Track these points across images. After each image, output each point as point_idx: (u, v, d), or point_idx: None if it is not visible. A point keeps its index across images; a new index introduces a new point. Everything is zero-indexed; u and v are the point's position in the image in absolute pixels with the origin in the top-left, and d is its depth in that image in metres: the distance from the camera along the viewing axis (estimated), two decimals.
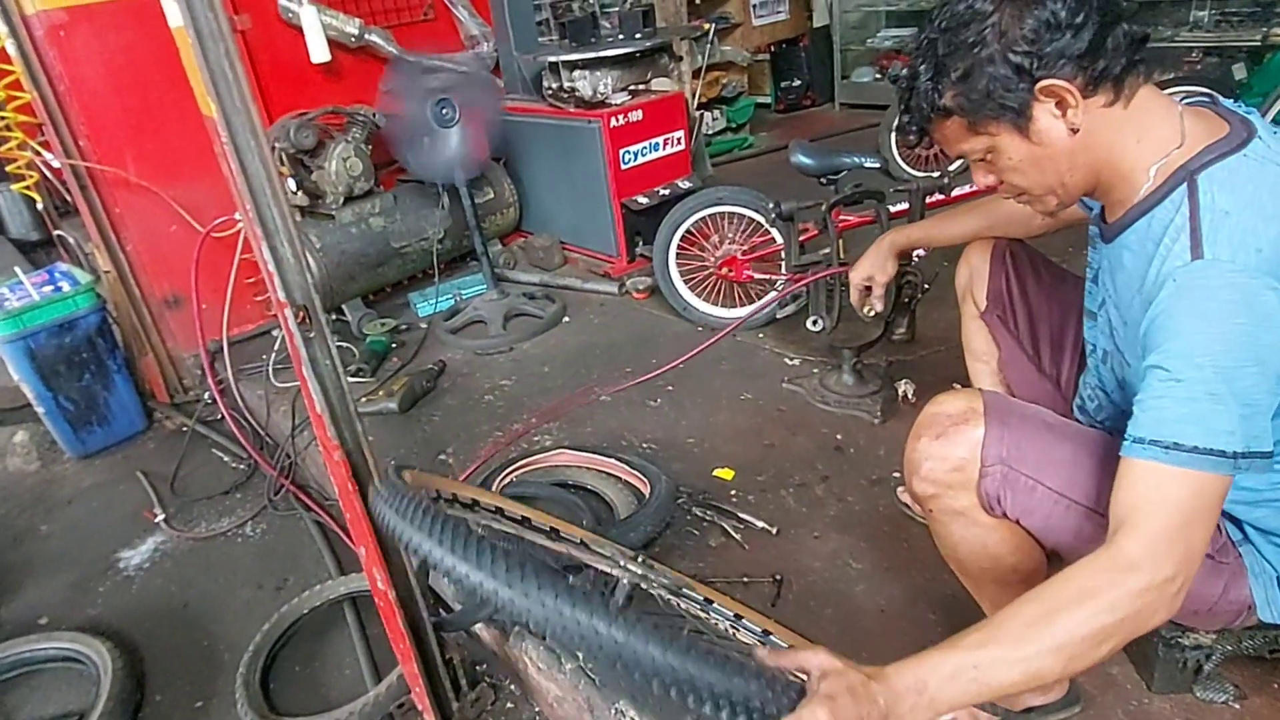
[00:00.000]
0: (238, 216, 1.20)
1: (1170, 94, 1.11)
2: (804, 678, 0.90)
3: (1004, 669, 0.89)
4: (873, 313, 2.02)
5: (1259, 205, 0.96)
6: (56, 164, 2.94)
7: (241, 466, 2.85)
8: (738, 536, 1.96)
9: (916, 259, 2.13)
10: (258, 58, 3.29)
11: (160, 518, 2.60)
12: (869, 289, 1.95)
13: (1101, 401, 1.31)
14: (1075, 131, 1.04)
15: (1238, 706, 1.39)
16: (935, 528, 1.27)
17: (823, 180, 2.47)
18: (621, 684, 1.04)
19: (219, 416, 3.00)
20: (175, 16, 1.05)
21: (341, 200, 3.25)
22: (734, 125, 5.75)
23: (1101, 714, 1.41)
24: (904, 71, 1.12)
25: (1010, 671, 0.89)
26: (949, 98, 1.06)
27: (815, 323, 2.48)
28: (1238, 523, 1.17)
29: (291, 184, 3.15)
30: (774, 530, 1.95)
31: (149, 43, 2.86)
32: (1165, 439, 0.92)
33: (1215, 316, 0.94)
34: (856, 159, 2.40)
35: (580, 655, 1.06)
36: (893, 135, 4.30)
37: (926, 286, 2.21)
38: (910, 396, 2.38)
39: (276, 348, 3.05)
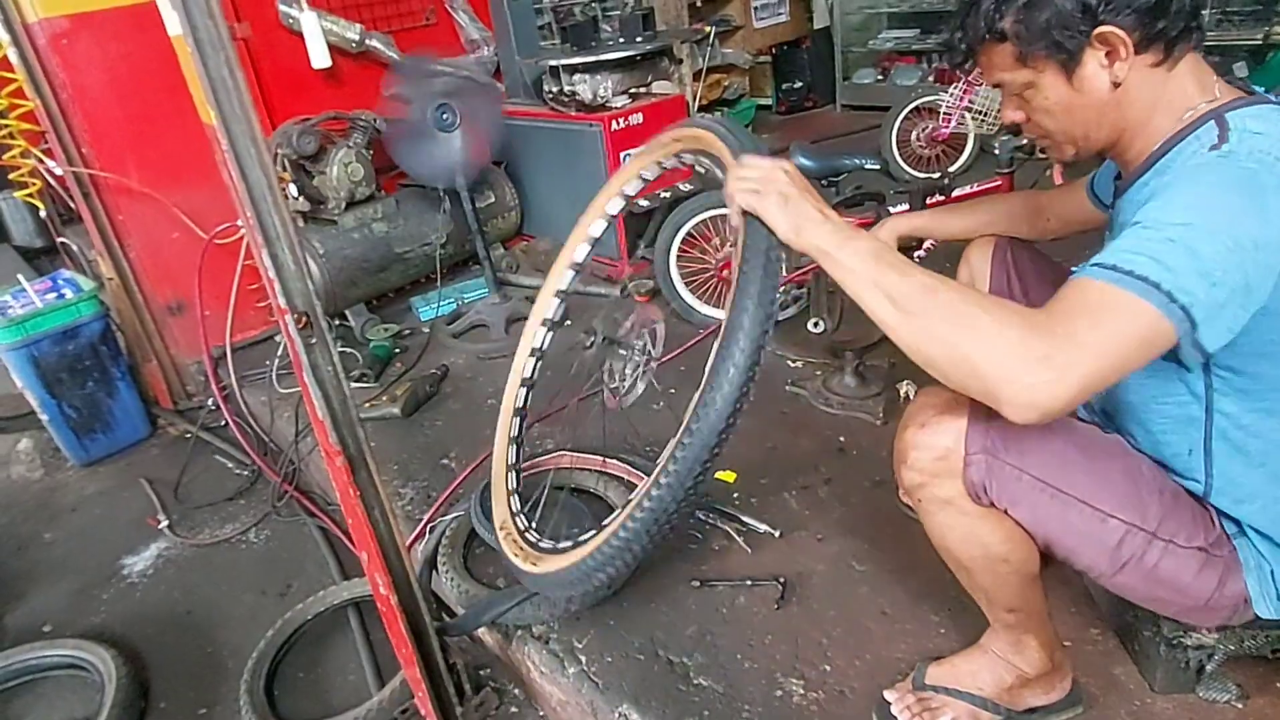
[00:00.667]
0: (240, 223, 1.20)
1: None
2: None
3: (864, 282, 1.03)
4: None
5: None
6: (59, 171, 2.95)
7: (245, 473, 2.85)
8: (740, 540, 1.96)
9: (919, 259, 2.12)
10: (259, 64, 3.31)
11: (164, 524, 2.61)
12: None
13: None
14: (1117, 86, 1.07)
15: (1241, 706, 1.39)
16: (925, 518, 1.26)
17: (824, 182, 2.48)
18: None
19: (223, 423, 3.01)
20: (174, 25, 1.05)
21: (343, 205, 3.25)
22: None
23: (1104, 714, 1.41)
24: None
25: (877, 290, 1.01)
26: (1009, 22, 1.08)
27: (816, 324, 2.48)
28: (1233, 517, 1.17)
29: (293, 189, 3.16)
30: (777, 533, 1.95)
31: (151, 50, 2.88)
32: (1107, 261, 0.94)
33: (1207, 185, 0.96)
34: (857, 160, 2.41)
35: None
36: (894, 137, 4.30)
37: None
38: (913, 397, 2.36)
39: (280, 354, 3.05)
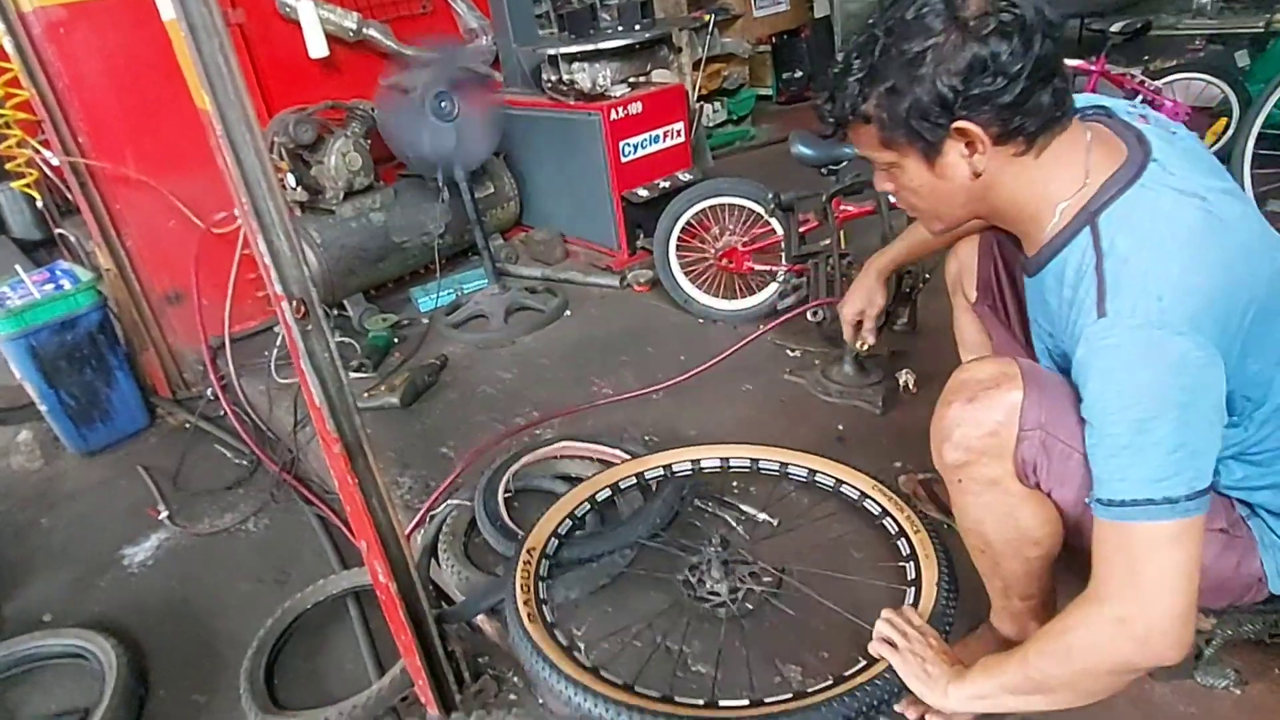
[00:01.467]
0: (236, 211, 1.20)
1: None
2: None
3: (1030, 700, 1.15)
4: (865, 347, 2.02)
5: (1157, 242, 0.98)
6: (56, 161, 2.94)
7: (244, 462, 2.85)
8: (740, 529, 1.96)
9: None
10: (256, 52, 3.30)
11: (163, 514, 2.61)
12: (860, 323, 1.98)
13: None
14: (978, 175, 1.08)
15: (1238, 692, 1.39)
16: (963, 500, 1.24)
17: (823, 171, 2.47)
18: None
19: (221, 413, 3.01)
20: (168, 9, 1.04)
21: (341, 195, 3.25)
22: (735, 117, 5.74)
23: (1104, 702, 1.40)
24: (839, 60, 1.12)
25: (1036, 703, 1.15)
26: (871, 106, 1.08)
27: (815, 313, 2.47)
28: (1245, 501, 1.17)
29: (291, 179, 3.15)
30: (775, 522, 1.95)
31: (147, 38, 2.86)
32: (1104, 496, 1.01)
33: (1121, 374, 0.98)
34: (857, 149, 2.39)
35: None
36: None
37: (927, 276, 2.21)
38: (911, 386, 2.37)
39: (278, 344, 3.05)
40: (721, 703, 1.38)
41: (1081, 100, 1.16)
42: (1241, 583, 1.16)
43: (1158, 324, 0.95)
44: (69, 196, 3.07)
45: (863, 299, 1.92)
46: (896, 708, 1.33)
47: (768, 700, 1.35)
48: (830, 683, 1.34)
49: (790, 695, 1.35)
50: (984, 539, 1.27)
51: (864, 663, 1.39)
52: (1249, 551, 1.14)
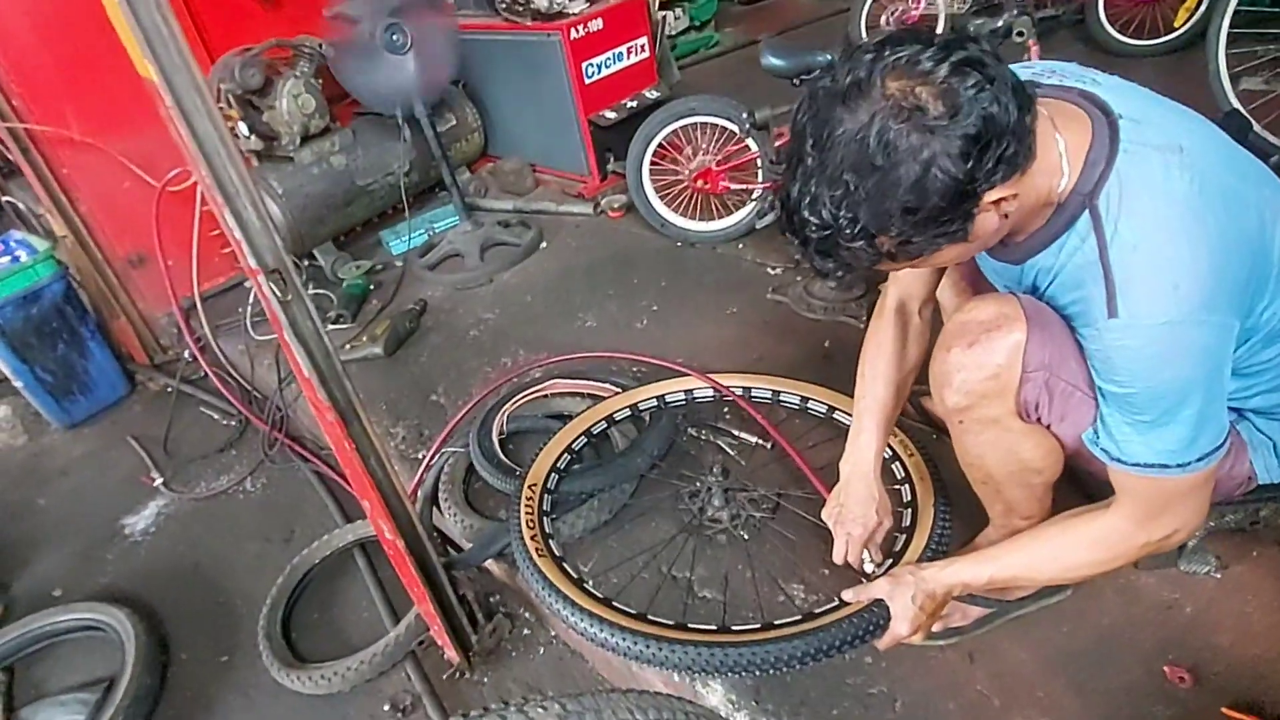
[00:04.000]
0: (198, 183, 1.15)
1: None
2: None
3: (1018, 581, 1.27)
4: (883, 568, 1.45)
5: (1162, 224, 0.95)
6: None
7: (232, 423, 2.83)
8: (733, 453, 1.99)
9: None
10: None
11: (158, 481, 2.61)
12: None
13: None
14: (1008, 216, 0.99)
15: (1219, 576, 1.46)
16: (964, 439, 1.26)
17: (795, 81, 2.39)
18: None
19: (202, 374, 2.97)
20: None
21: (298, 140, 3.12)
22: (698, 23, 5.52)
23: (1092, 593, 1.48)
24: (813, 224, 0.96)
25: (1021, 583, 1.30)
26: (888, 246, 0.97)
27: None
28: (1233, 407, 1.19)
29: (243, 128, 3.01)
30: (769, 445, 1.98)
31: None
32: (1131, 459, 1.05)
33: (1146, 374, 0.98)
34: (829, 57, 2.32)
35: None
36: (863, 22, 4.15)
37: None
38: None
39: (251, 300, 2.98)
40: (734, 626, 1.43)
41: None
42: (1233, 483, 1.20)
43: (1177, 319, 0.93)
44: (10, 160, 2.93)
45: (871, 516, 1.44)
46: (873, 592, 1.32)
47: (777, 623, 1.40)
48: (836, 604, 1.39)
49: (799, 617, 1.40)
50: (985, 472, 1.29)
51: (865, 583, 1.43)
52: (1240, 454, 1.18)
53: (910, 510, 1.57)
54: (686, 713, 0.90)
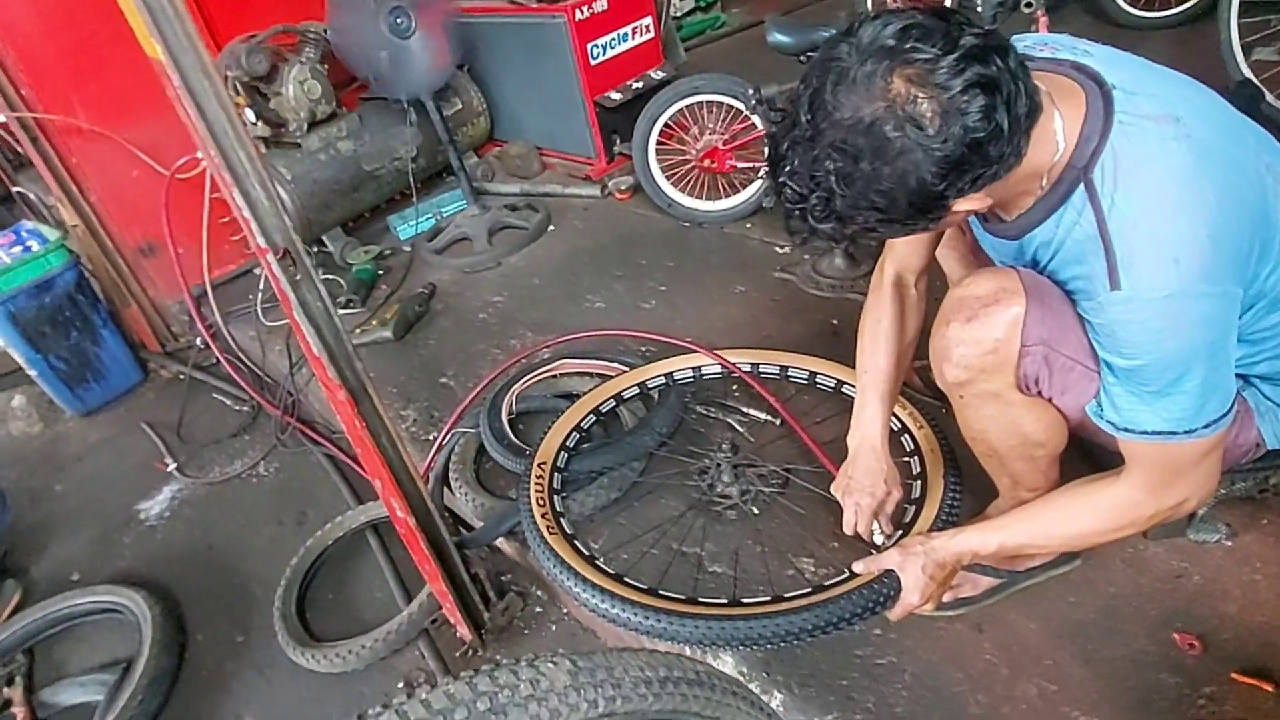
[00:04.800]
0: (205, 162, 1.16)
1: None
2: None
3: (1029, 549, 1.28)
4: (883, 537, 1.46)
5: (1159, 196, 0.94)
6: (1, 118, 2.81)
7: (245, 408, 2.86)
8: (742, 430, 2.00)
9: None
10: None
11: (172, 466, 2.64)
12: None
13: None
14: (976, 213, 1.05)
15: (1230, 544, 1.46)
16: (965, 413, 1.27)
17: (802, 58, 2.38)
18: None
19: (214, 361, 3.00)
20: None
21: (305, 126, 3.12)
22: (704, 4, 5.49)
23: (1101, 564, 1.48)
24: (790, 190, 0.98)
25: (1031, 550, 1.31)
26: (853, 230, 1.00)
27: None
28: (1239, 374, 1.19)
29: (250, 114, 3.02)
30: (777, 421, 1.98)
31: None
32: (1138, 427, 1.05)
33: (1150, 346, 0.98)
34: (834, 31, 2.30)
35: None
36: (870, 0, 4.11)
37: None
38: None
39: (262, 286, 3.00)
40: (744, 600, 1.44)
41: None
42: (1240, 450, 1.20)
43: (1179, 292, 0.93)
44: (20, 151, 2.95)
45: (880, 486, 1.45)
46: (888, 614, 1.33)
47: (787, 595, 1.41)
48: (846, 576, 1.39)
49: (809, 589, 1.41)
50: (989, 445, 1.30)
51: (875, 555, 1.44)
52: (1247, 421, 1.18)
53: (920, 482, 1.57)
54: (698, 671, 0.91)
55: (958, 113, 0.87)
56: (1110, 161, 0.96)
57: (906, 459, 1.63)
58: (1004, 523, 1.24)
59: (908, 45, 0.88)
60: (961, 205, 0.96)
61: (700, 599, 1.45)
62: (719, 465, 1.84)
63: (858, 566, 1.37)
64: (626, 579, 1.50)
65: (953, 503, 1.49)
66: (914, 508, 1.52)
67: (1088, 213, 0.99)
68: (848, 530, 1.46)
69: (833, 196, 0.95)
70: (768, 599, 1.42)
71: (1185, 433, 1.02)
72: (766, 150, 1.02)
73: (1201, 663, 1.30)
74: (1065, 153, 0.99)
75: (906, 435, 1.68)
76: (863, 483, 1.45)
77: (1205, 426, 1.01)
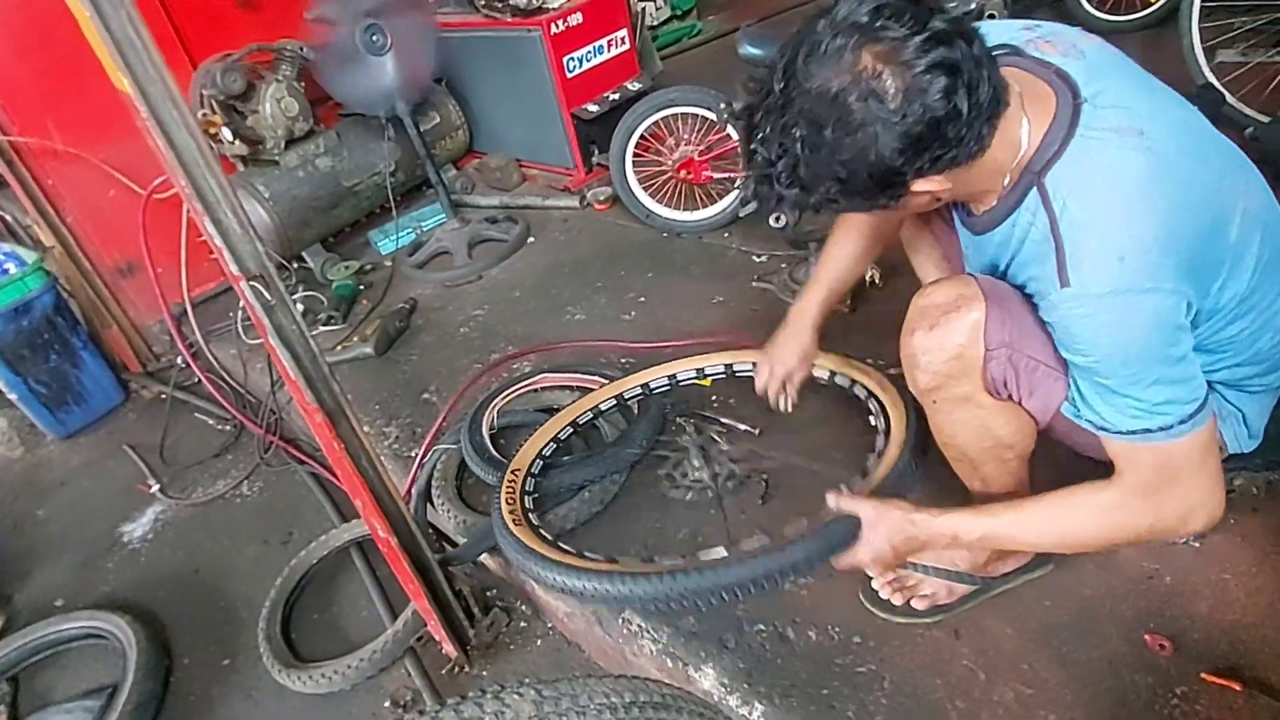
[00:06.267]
0: (179, 191, 1.16)
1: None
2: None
3: (1013, 543, 1.26)
4: (790, 408, 1.74)
5: (1109, 200, 0.98)
6: None
7: (227, 428, 2.85)
8: (722, 441, 2.01)
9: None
10: (169, 1, 3.09)
11: (155, 488, 2.63)
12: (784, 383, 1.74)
13: None
14: (940, 199, 1.07)
15: (1198, 545, 1.49)
16: (937, 418, 1.29)
17: None
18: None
19: (196, 380, 2.98)
20: None
21: (283, 144, 3.13)
22: (679, 12, 5.53)
23: (1072, 566, 1.50)
24: (758, 155, 1.03)
25: (1014, 546, 1.33)
26: (815, 200, 1.04)
27: (777, 218, 2.46)
28: None
29: (227, 133, 3.02)
30: (757, 431, 2.00)
31: None
32: (1115, 427, 1.06)
33: (1102, 341, 1.01)
34: None
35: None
36: None
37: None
38: (877, 281, 2.38)
39: (241, 304, 2.97)
40: (700, 555, 1.41)
41: None
42: None
43: (1123, 288, 0.96)
44: None
45: (795, 356, 1.70)
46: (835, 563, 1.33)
47: (744, 545, 1.40)
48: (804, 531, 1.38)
49: (767, 541, 1.39)
50: (960, 450, 1.32)
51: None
52: None
53: (884, 436, 1.61)
54: (663, 694, 0.92)
55: (919, 90, 0.90)
56: (1067, 170, 1.00)
57: (870, 418, 1.71)
58: (993, 510, 1.22)
59: (878, 23, 0.92)
60: (921, 185, 1.00)
61: (654, 558, 1.48)
62: (688, 449, 1.89)
63: (830, 498, 1.34)
64: (586, 553, 1.51)
65: (911, 458, 1.52)
66: (874, 456, 1.58)
67: (1041, 215, 1.03)
68: (759, 389, 1.71)
69: (798, 163, 0.99)
70: (724, 555, 1.40)
71: (1160, 430, 1.03)
72: (740, 109, 1.08)
73: (1174, 663, 1.33)
74: (1026, 155, 1.03)
75: (873, 399, 1.73)
76: (780, 350, 1.68)
77: (1180, 423, 1.02)
